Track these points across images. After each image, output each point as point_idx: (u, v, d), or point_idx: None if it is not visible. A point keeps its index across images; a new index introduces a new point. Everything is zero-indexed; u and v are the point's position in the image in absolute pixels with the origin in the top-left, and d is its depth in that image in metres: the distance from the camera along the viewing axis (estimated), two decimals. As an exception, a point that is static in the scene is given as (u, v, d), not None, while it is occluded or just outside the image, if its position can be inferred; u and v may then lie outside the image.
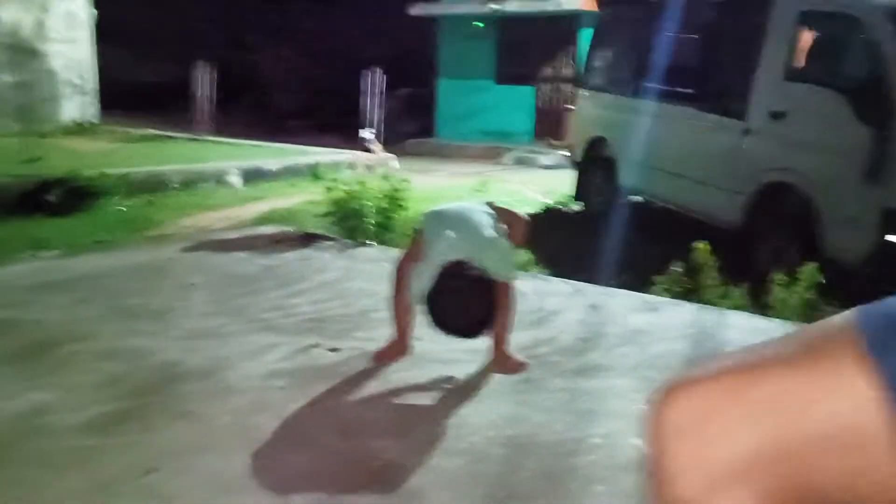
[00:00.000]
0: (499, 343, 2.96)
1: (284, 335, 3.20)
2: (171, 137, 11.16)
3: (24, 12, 11.77)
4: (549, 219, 8.00)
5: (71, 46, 12.34)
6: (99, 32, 12.76)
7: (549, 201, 8.79)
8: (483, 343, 3.02)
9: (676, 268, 4.42)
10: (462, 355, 3.04)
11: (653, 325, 3.53)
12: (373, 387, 2.74)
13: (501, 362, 2.93)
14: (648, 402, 0.47)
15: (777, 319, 3.81)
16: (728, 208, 5.79)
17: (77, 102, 12.41)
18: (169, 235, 5.49)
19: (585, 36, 11.44)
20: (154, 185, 7.48)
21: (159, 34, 18.03)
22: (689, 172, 6.34)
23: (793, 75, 5.49)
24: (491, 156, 12.99)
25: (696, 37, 6.95)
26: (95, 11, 12.64)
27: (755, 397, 0.44)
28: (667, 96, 6.75)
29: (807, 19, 5.57)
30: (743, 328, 3.55)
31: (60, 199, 6.29)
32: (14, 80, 11.74)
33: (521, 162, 12.47)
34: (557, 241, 6.60)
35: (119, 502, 1.96)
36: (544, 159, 12.36)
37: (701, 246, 4.35)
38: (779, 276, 4.15)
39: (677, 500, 0.45)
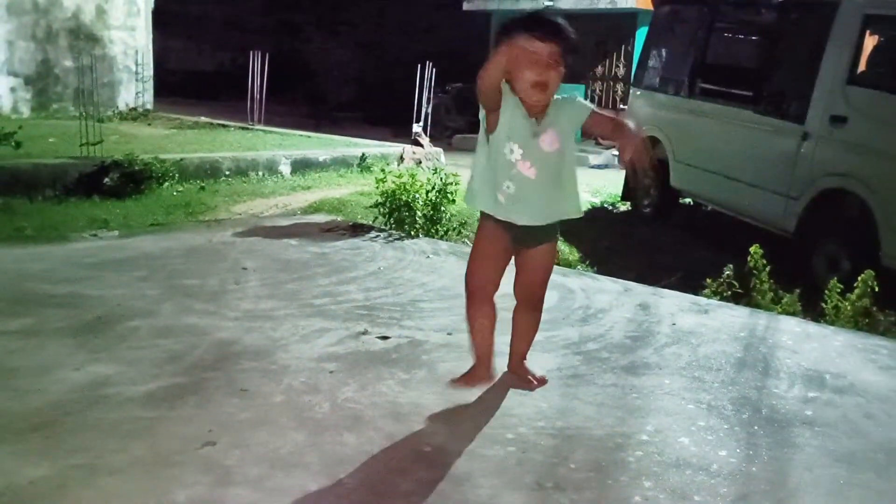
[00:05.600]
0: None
1: (335, 321, 3.26)
2: (223, 125, 11.37)
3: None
4: (596, 218, 7.97)
5: (130, 34, 12.64)
6: (155, 21, 13.04)
7: (597, 201, 8.75)
8: (537, 334, 3.01)
9: (727, 271, 4.38)
10: (510, 348, 3.05)
11: (703, 326, 3.50)
12: (422, 375, 2.76)
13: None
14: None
15: (830, 326, 3.75)
16: (783, 213, 5.71)
17: (133, 89, 12.72)
18: (222, 220, 5.61)
19: (640, 35, 11.34)
20: (206, 172, 7.64)
21: (213, 24, 18.36)
22: (743, 176, 6.26)
23: (855, 80, 5.39)
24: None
25: (755, 38, 6.85)
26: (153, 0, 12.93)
27: None
28: (722, 98, 6.66)
29: (871, 23, 5.45)
30: (795, 333, 3.50)
31: (117, 182, 6.47)
32: (74, 65, 12.05)
33: (569, 161, 12.41)
34: (605, 241, 6.58)
35: (179, 472, 2.02)
36: (593, 158, 12.29)
37: (754, 250, 4.30)
38: (833, 283, 4.09)
39: None
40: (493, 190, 2.46)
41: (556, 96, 2.41)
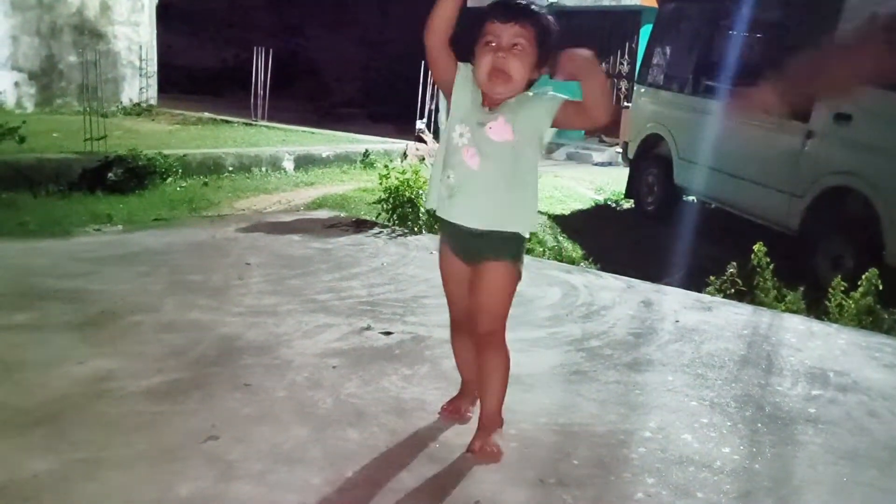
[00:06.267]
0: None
1: (338, 317, 3.26)
2: (226, 121, 11.37)
3: (91, -6, 12.09)
4: (599, 215, 7.96)
5: (134, 29, 12.63)
6: (159, 16, 13.03)
7: (601, 198, 8.74)
8: (539, 331, 3.03)
9: (731, 269, 4.38)
10: (513, 344, 3.04)
11: (707, 323, 3.50)
12: (425, 371, 2.76)
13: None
14: None
15: (834, 324, 3.75)
16: (787, 211, 5.69)
17: (137, 84, 12.71)
18: (225, 216, 5.61)
19: (645, 32, 11.31)
20: (210, 167, 7.64)
21: (217, 20, 18.35)
22: (747, 174, 6.24)
23: (859, 77, 5.36)
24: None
25: (758, 35, 6.82)
26: (158, -5, 12.92)
27: None
28: (726, 95, 6.64)
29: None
30: (799, 331, 3.49)
31: (121, 178, 6.47)
32: (78, 60, 12.06)
33: (573, 157, 12.41)
34: (608, 238, 6.57)
35: (182, 466, 2.02)
36: (596, 156, 12.28)
37: (757, 248, 4.29)
38: (837, 281, 4.08)
39: None
40: (438, 181, 2.18)
41: (529, 92, 2.09)
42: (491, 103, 2.09)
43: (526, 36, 2.03)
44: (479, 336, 2.18)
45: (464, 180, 2.10)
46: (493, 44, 2.03)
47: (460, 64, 2.12)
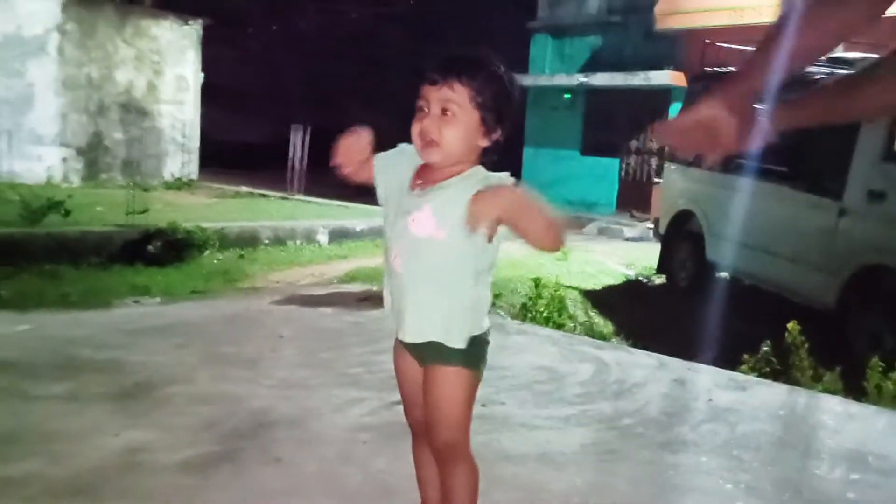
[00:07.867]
0: None
1: (369, 390, 3.27)
2: (263, 195, 11.66)
3: (138, 74, 12.67)
4: (631, 291, 7.93)
5: (178, 107, 13.16)
6: (203, 94, 13.57)
7: (632, 273, 8.72)
8: (570, 408, 3.00)
9: (765, 347, 4.31)
10: (544, 421, 3.03)
11: (741, 403, 3.44)
12: (455, 447, 2.74)
13: None
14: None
15: (872, 406, 3.66)
16: (822, 289, 5.62)
17: (179, 159, 13.17)
18: (260, 288, 5.71)
19: (674, 110, 11.47)
20: (246, 240, 7.81)
21: (258, 97, 19.02)
22: (780, 251, 6.20)
23: (892, 156, 5.37)
24: (574, 225, 13.03)
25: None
26: (202, 74, 13.48)
27: None
28: (758, 173, 6.66)
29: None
30: (836, 413, 3.41)
31: (160, 250, 6.64)
32: (124, 137, 12.55)
33: (604, 232, 12.45)
34: (639, 314, 6.53)
35: (212, 541, 2.03)
36: (627, 231, 12.30)
37: (792, 326, 4.23)
38: (875, 362, 4.00)
39: None
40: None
41: (486, 172, 1.72)
42: (425, 182, 1.73)
43: (457, 100, 1.68)
44: (435, 449, 1.81)
45: (393, 288, 1.77)
46: (424, 110, 1.72)
47: (378, 155, 1.85)
